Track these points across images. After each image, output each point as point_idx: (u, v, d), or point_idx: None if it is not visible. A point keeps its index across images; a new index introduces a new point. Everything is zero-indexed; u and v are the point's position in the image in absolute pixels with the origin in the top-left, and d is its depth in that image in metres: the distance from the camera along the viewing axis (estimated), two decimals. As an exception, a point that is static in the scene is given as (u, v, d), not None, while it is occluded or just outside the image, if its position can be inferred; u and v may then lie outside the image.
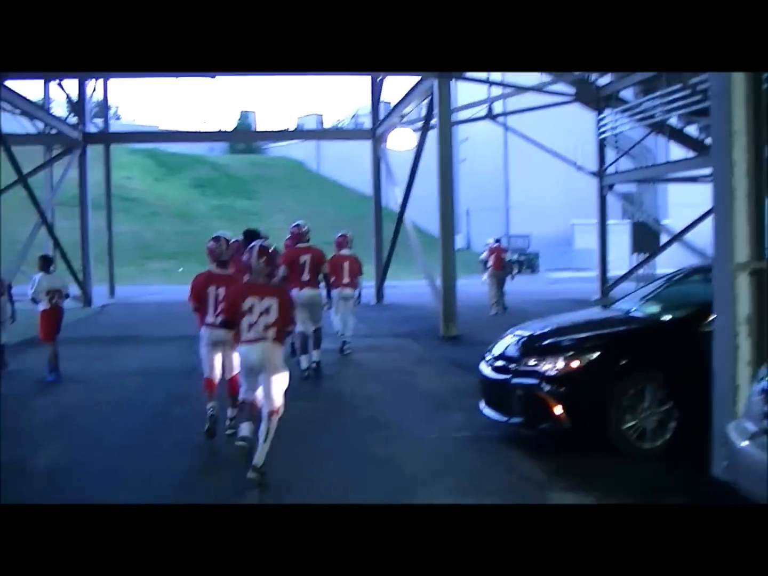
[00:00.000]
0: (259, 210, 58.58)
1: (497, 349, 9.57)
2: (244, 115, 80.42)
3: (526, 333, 9.57)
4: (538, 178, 50.57)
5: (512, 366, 8.99)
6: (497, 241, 26.53)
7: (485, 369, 9.62)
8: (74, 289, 28.17)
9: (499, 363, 9.25)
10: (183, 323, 21.91)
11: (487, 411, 9.48)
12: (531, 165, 50.24)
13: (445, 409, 11.14)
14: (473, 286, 26.92)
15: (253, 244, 8.57)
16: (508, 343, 9.52)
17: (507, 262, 26.67)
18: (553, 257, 50.15)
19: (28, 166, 27.34)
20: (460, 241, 53.34)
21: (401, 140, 26.75)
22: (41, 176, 31.18)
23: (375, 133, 28.90)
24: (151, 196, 58.76)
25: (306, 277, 13.23)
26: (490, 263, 25.20)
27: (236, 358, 8.89)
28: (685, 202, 33.01)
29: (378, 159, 28.65)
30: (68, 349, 15.61)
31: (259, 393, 8.13)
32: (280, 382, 8.11)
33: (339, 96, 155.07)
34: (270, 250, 8.45)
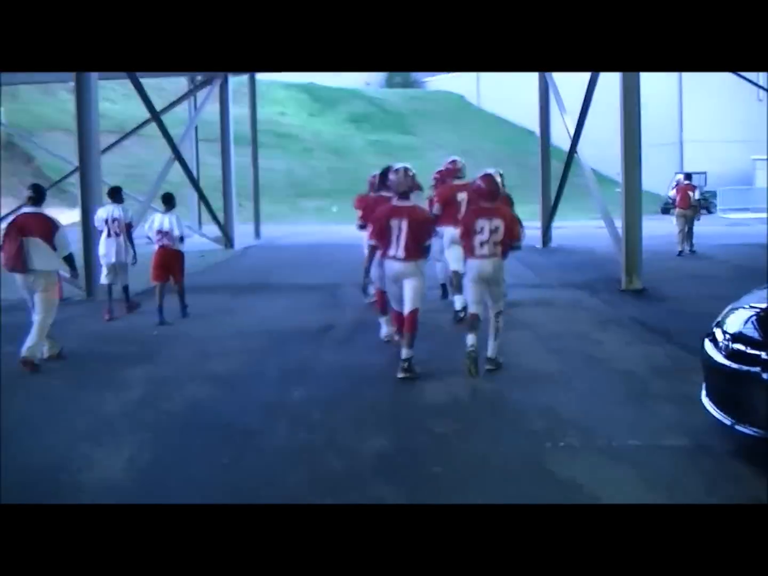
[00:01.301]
0: (416, 145, 56.28)
1: (731, 325, 6.69)
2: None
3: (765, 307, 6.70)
4: (715, 109, 46.92)
5: (762, 354, 6.12)
6: (687, 176, 23.94)
7: (714, 352, 6.73)
8: (213, 230, 26.67)
9: (738, 346, 6.36)
10: (328, 268, 20.21)
11: (713, 410, 6.67)
12: (707, 93, 46.60)
13: (646, 399, 8.30)
14: (648, 228, 23.78)
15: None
16: (745, 317, 6.65)
17: (696, 201, 23.89)
18: (730, 197, 46.21)
19: (173, 98, 25.70)
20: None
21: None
22: (183, 110, 29.37)
23: (541, 57, 25.63)
24: (305, 131, 57.18)
25: (461, 215, 11.46)
26: (677, 201, 23.37)
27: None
28: None
29: (545, 85, 25.52)
30: (195, 298, 14.14)
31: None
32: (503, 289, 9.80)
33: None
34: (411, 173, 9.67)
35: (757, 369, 6.05)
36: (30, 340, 10.09)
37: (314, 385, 9.15)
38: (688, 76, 46.10)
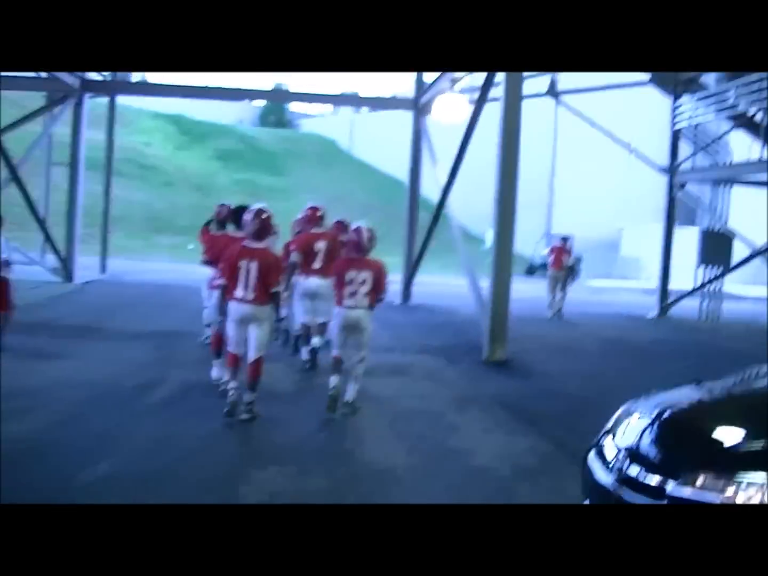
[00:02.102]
0: (285, 187, 55.02)
1: (625, 437, 5.19)
2: (278, 87, 76.63)
3: (673, 412, 5.27)
4: (586, 173, 46.94)
5: (665, 483, 4.65)
6: (564, 239, 23.35)
7: (601, 472, 5.16)
8: (51, 260, 24.60)
9: (634, 469, 4.87)
10: (169, 311, 18.47)
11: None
12: (580, 156, 46.59)
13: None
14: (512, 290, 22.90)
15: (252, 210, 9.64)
16: (642, 428, 5.12)
17: (570, 264, 23.41)
18: (596, 263, 45.85)
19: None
20: (491, 238, 49.67)
21: (450, 110, 22.41)
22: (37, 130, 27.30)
23: (418, 102, 24.40)
24: (170, 164, 55.11)
25: (318, 264, 12.23)
26: (551, 263, 23.02)
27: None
28: (750, 208, 29.17)
29: (419, 133, 24.33)
30: (10, 337, 12.54)
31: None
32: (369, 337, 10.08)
33: (377, 75, 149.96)
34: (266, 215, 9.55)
35: (661, 502, 4.66)
36: None
37: (117, 461, 7.64)
38: (564, 135, 45.89)
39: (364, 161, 64.72)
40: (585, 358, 15.42)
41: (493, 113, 15.34)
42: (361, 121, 68.26)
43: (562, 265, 22.89)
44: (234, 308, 9.33)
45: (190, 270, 29.98)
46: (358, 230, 10.04)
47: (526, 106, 14.81)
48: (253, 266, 9.20)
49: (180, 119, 62.00)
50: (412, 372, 12.97)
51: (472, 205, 25.25)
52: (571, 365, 14.40)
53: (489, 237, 48.60)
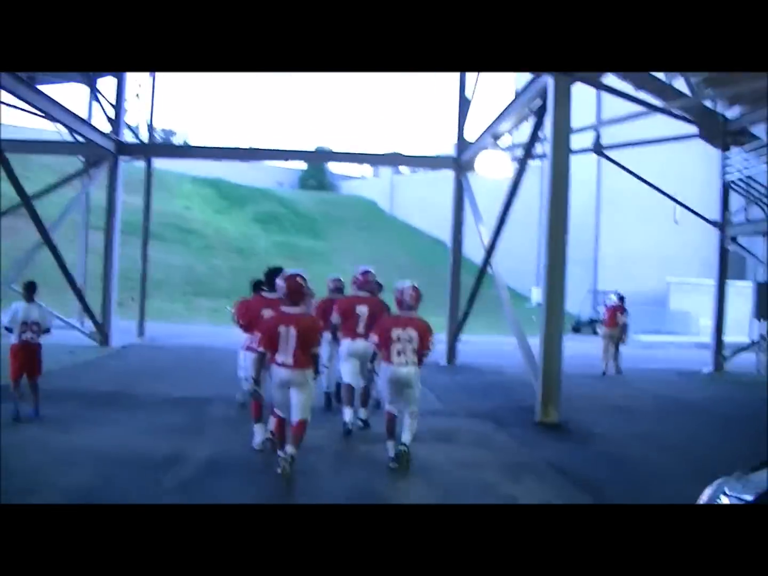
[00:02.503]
0: (324, 250, 54.75)
1: None
2: (320, 149, 76.56)
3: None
4: (631, 227, 46.15)
5: None
6: (621, 298, 23.02)
7: None
8: (89, 325, 24.07)
9: None
10: (206, 376, 17.88)
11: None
12: (624, 212, 45.92)
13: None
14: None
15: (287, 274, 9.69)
16: None
17: (624, 322, 22.87)
18: (643, 318, 44.85)
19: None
20: (537, 296, 48.95)
21: (492, 166, 21.76)
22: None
23: (459, 160, 23.73)
24: (209, 228, 54.89)
25: (361, 329, 12.32)
26: (605, 320, 22.80)
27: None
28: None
29: (461, 191, 23.70)
30: (43, 403, 12.34)
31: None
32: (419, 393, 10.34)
33: (418, 135, 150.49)
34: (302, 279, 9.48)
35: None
36: None
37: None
38: (607, 189, 45.26)
39: (405, 222, 64.40)
40: (641, 418, 14.51)
41: (534, 171, 14.66)
42: (402, 182, 68.06)
43: (616, 322, 22.49)
44: (276, 373, 9.32)
45: (228, 333, 29.54)
46: (404, 288, 10.27)
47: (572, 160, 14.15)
48: (292, 332, 9.19)
49: (219, 183, 61.98)
50: (460, 438, 12.09)
51: (514, 262, 24.58)
52: (628, 426, 13.51)
53: (535, 294, 48.20)
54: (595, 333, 29.62)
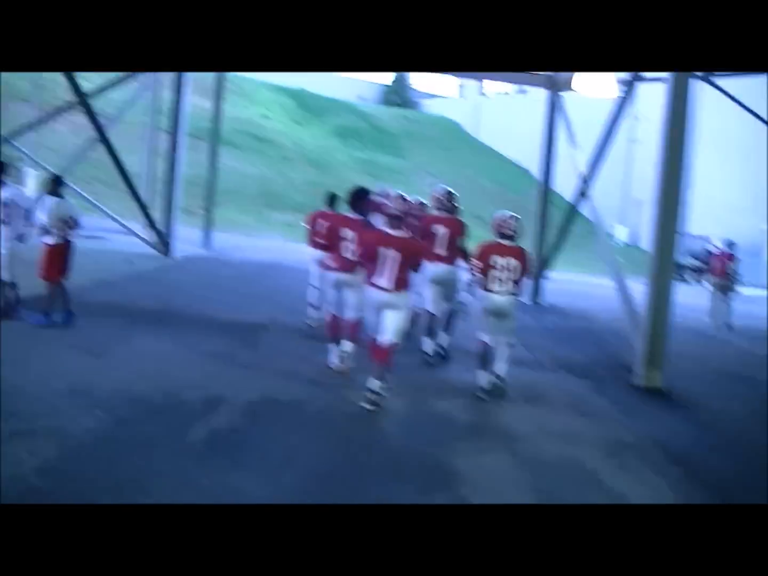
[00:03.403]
0: (404, 169, 52.86)
1: None
2: (400, 75, 74.16)
3: None
4: (725, 170, 43.55)
5: None
6: (730, 245, 21.28)
7: None
8: (144, 232, 22.69)
9: None
10: (268, 297, 16.23)
11: None
12: (720, 152, 43.26)
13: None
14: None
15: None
16: None
17: (734, 272, 21.13)
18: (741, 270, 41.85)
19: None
20: (622, 234, 46.66)
21: (593, 85, 19.75)
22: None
23: (555, 77, 21.50)
24: (287, 139, 53.20)
25: (441, 250, 11.52)
26: (715, 270, 21.08)
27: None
28: None
29: (554, 112, 21.67)
30: (84, 319, 11.50)
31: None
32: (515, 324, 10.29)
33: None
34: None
35: None
36: None
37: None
38: (704, 126, 42.81)
39: (489, 147, 61.87)
40: (758, 387, 12.58)
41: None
42: (488, 104, 65.52)
43: (726, 272, 20.72)
44: (374, 295, 9.16)
45: (300, 250, 27.96)
46: (505, 217, 10.15)
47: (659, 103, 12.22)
48: (393, 254, 8.96)
49: (299, 93, 60.15)
50: (552, 399, 10.43)
51: (600, 197, 22.74)
52: (750, 400, 11.65)
53: (620, 232, 45.96)
54: (688, 281, 27.43)
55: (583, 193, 18.97)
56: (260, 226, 38.55)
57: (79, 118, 23.04)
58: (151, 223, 21.99)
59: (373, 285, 9.13)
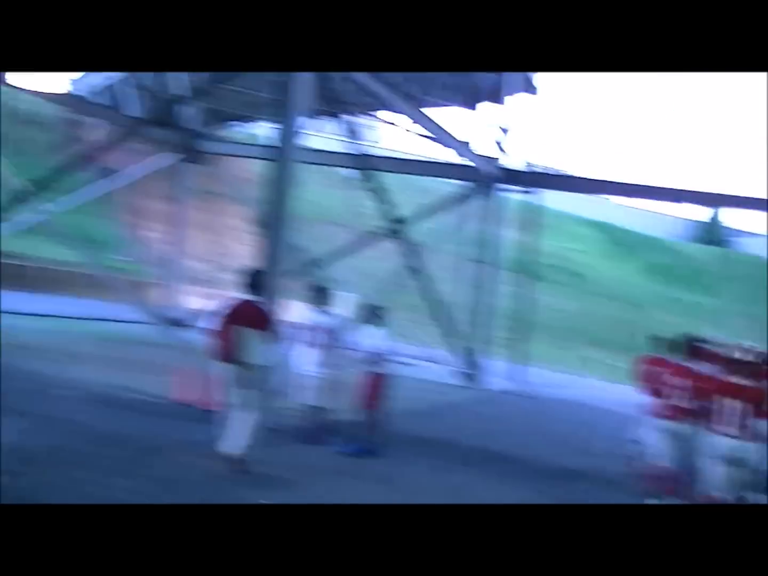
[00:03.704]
0: (718, 308, 50.07)
1: None
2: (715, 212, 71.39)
3: None
4: None
5: None
6: None
7: None
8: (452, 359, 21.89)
9: None
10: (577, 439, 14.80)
11: None
12: None
13: None
14: None
15: None
16: None
17: None
18: None
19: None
20: None
21: None
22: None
23: None
24: (598, 274, 52.24)
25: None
26: None
27: None
28: None
29: None
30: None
31: None
32: None
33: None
34: None
35: None
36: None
37: None
38: None
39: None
40: None
41: None
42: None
43: None
44: (720, 442, 8.72)
45: (618, 391, 26.73)
46: None
47: None
48: (737, 404, 8.61)
49: (606, 227, 59.96)
50: None
51: None
52: None
53: None
54: None
55: None
56: (559, 359, 37.30)
57: (388, 244, 22.98)
58: (470, 352, 21.22)
59: (718, 432, 8.82)
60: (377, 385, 11.22)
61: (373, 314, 11.52)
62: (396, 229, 19.06)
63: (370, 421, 11.10)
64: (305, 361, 11.34)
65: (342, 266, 22.81)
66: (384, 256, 25.77)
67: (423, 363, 22.03)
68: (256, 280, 9.50)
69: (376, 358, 11.20)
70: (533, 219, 26.45)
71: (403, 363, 19.86)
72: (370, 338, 11.25)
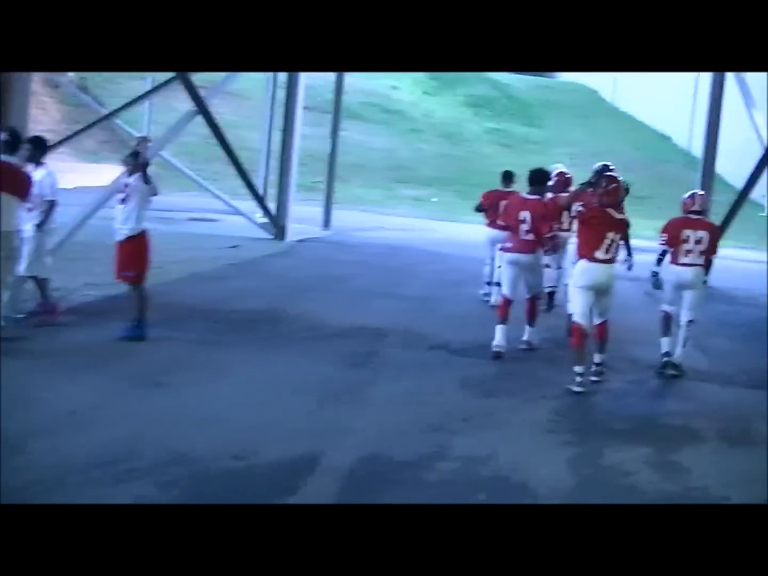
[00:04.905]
0: (540, 139, 50.66)
1: None
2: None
3: None
4: None
5: None
6: None
7: None
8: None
9: None
10: (393, 293, 13.87)
11: None
12: None
13: None
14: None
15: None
16: None
17: None
18: None
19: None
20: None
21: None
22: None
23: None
24: (417, 110, 51.28)
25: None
26: None
27: None
28: None
29: (720, 78, 19.15)
30: (156, 327, 9.50)
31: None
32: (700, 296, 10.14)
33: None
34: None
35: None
36: None
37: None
38: None
39: (628, 114, 58.63)
40: None
41: None
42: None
43: None
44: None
45: (432, 227, 26.02)
46: (693, 193, 10.30)
47: None
48: (613, 234, 9.17)
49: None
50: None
51: (738, 161, 20.19)
52: None
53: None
54: None
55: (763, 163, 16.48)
56: (387, 200, 36.69)
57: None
58: (262, 203, 19.99)
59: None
60: (132, 251, 9.52)
61: (34, 151, 9.60)
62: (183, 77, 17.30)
63: (134, 295, 9.55)
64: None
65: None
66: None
67: (226, 217, 20.78)
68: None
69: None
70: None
71: (201, 219, 18.69)
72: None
